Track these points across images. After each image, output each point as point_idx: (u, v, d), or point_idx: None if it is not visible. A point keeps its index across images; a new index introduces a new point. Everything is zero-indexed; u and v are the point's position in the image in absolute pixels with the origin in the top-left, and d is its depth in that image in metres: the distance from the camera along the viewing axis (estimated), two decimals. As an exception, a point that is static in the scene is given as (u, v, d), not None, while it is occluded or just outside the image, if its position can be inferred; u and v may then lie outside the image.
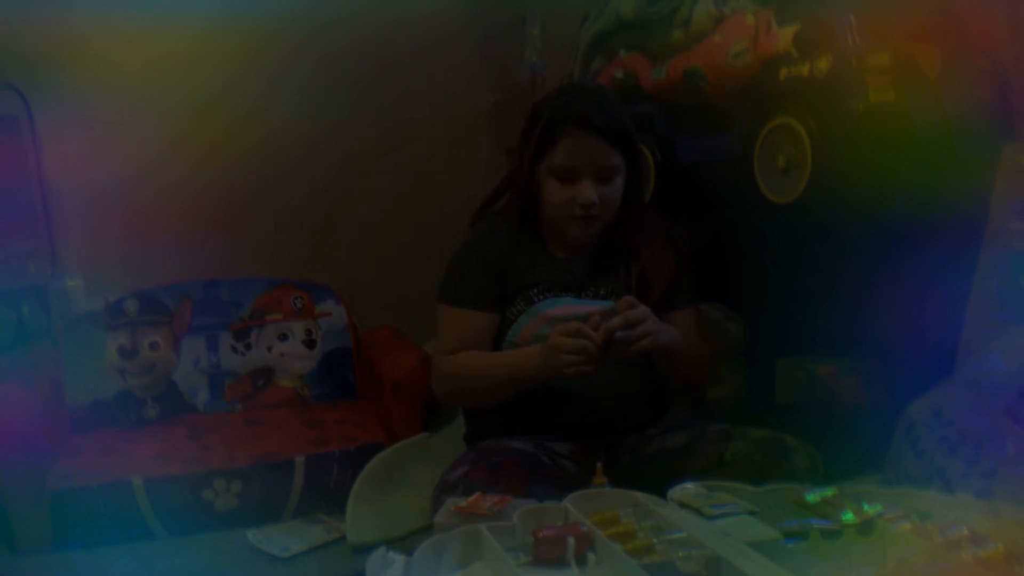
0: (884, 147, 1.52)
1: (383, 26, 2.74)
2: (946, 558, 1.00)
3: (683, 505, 1.22)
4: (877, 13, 1.53)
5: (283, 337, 2.50)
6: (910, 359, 1.61)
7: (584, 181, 1.63)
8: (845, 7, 1.54)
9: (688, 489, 1.26)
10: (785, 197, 1.67)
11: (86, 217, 2.50)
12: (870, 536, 1.10)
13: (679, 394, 1.87)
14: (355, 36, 2.73)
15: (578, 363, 1.50)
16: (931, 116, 1.52)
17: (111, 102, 2.51)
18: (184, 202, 2.60)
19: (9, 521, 1.89)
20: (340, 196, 2.80)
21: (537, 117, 1.69)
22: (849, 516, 1.12)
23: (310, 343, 2.51)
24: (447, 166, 2.76)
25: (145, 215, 2.56)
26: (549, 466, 1.58)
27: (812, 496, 1.20)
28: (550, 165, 1.66)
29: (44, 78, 2.41)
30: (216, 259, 2.57)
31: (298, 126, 2.72)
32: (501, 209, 1.80)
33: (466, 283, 1.70)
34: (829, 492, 1.21)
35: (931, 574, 0.99)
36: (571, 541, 1.10)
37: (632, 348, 1.52)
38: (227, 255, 2.60)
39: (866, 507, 1.14)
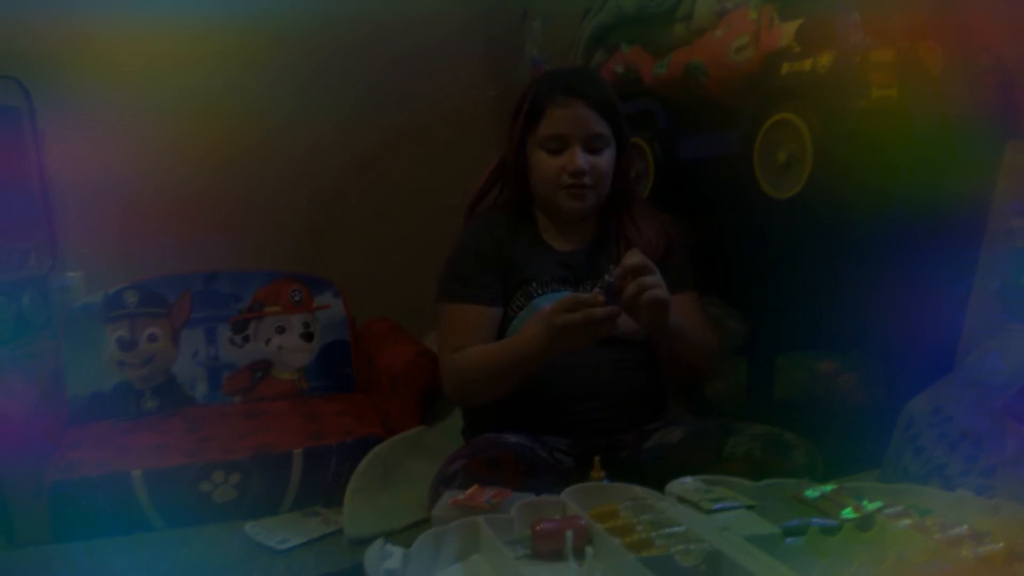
0: (885, 144, 1.52)
1: (383, 26, 2.75)
2: (946, 556, 1.00)
3: (682, 500, 1.21)
4: (880, 10, 1.53)
5: (281, 330, 2.50)
6: (910, 357, 1.61)
7: (573, 148, 1.65)
8: (848, 3, 1.53)
9: (687, 484, 1.26)
10: (785, 193, 1.67)
11: (88, 211, 2.51)
12: (869, 532, 1.09)
13: (683, 384, 1.86)
14: (355, 36, 2.74)
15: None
16: (933, 113, 1.52)
17: (112, 101, 2.53)
18: (184, 200, 2.61)
19: (9, 514, 1.89)
20: (340, 191, 2.81)
21: (525, 93, 1.71)
22: (849, 512, 1.11)
23: (308, 336, 2.51)
24: (446, 162, 2.76)
25: (146, 212, 2.57)
26: (547, 460, 1.58)
27: (811, 492, 1.20)
28: (539, 137, 1.67)
29: (46, 75, 2.42)
30: (216, 255, 2.57)
31: (298, 125, 2.72)
32: (494, 204, 1.80)
33: (466, 279, 1.70)
34: (828, 488, 1.20)
35: (931, 572, 0.99)
36: (569, 535, 1.10)
37: (644, 298, 1.45)
38: (227, 251, 2.60)
39: (866, 503, 1.13)
